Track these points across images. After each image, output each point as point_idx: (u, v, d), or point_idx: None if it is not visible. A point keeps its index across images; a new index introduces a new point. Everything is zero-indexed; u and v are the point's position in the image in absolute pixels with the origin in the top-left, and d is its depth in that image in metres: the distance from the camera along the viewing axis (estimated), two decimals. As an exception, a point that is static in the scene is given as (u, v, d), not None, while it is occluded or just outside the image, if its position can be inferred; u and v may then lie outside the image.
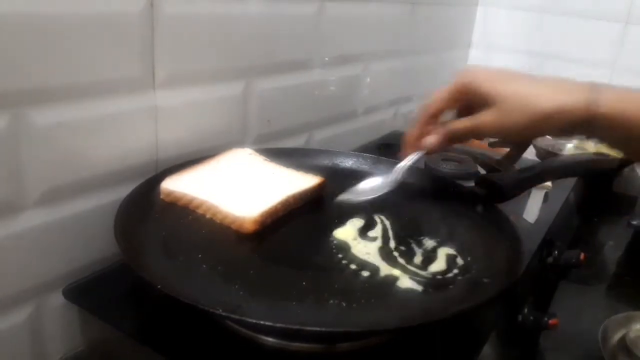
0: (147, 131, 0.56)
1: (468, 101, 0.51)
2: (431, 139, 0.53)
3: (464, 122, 0.51)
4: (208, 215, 0.52)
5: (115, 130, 0.52)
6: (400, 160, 0.56)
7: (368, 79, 0.92)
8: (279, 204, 0.52)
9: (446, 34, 1.19)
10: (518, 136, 0.53)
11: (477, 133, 0.51)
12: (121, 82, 0.52)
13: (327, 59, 0.80)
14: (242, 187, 0.55)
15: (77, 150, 0.49)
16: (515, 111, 0.47)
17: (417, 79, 1.11)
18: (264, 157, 0.62)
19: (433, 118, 0.53)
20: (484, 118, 0.49)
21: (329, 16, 0.77)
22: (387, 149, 0.91)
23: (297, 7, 0.72)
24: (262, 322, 0.37)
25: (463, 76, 0.51)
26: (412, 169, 0.68)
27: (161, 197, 0.53)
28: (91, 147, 0.51)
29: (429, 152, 0.54)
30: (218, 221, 0.51)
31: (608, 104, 0.44)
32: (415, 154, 0.55)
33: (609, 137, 0.47)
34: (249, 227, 0.49)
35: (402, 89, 1.07)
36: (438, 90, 0.53)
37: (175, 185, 0.54)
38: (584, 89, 0.46)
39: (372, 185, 0.57)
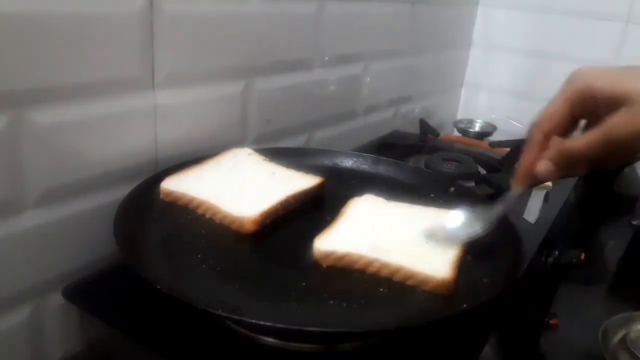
0: (147, 131, 0.56)
1: (585, 112, 0.44)
2: (544, 166, 0.44)
3: (589, 137, 0.41)
4: (208, 215, 0.52)
5: (115, 130, 0.52)
6: (505, 193, 0.48)
7: (368, 79, 0.92)
8: (279, 204, 0.52)
9: (446, 34, 1.19)
10: None
11: (608, 143, 0.41)
12: (121, 82, 0.52)
13: (327, 58, 0.80)
14: (242, 187, 0.55)
15: (77, 150, 0.49)
16: None
17: (417, 79, 1.11)
18: (264, 157, 0.62)
19: (548, 139, 0.45)
20: (616, 121, 0.40)
21: (329, 16, 0.77)
22: (387, 149, 0.91)
23: (297, 7, 0.72)
24: (262, 323, 0.37)
25: (574, 83, 0.43)
26: (417, 170, 0.67)
27: (161, 197, 0.53)
28: (91, 147, 0.51)
29: (541, 182, 0.46)
30: (218, 221, 0.51)
31: None
32: (517, 189, 0.47)
33: None
34: (249, 227, 0.49)
35: (402, 89, 1.07)
36: (548, 105, 0.45)
37: (175, 185, 0.54)
38: None
39: (465, 221, 0.50)
